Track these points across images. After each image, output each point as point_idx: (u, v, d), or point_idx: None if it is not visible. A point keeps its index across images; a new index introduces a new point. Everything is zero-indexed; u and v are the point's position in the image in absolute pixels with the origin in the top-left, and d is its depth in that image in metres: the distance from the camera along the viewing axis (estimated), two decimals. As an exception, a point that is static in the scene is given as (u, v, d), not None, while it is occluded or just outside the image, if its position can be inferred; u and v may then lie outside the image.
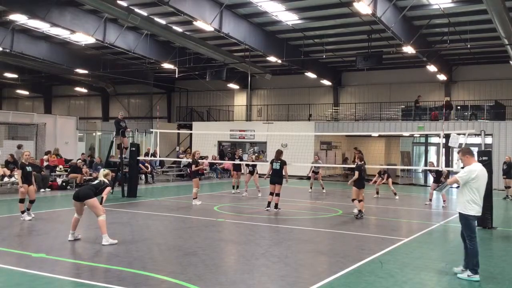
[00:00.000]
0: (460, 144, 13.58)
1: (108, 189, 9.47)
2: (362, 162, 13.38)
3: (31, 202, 11.85)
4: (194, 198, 15.23)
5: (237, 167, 19.09)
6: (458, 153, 7.65)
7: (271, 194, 13.96)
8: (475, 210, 7.11)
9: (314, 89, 34.09)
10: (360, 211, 13.07)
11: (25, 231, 10.50)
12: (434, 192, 16.65)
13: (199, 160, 15.98)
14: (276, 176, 13.95)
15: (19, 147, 21.73)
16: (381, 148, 31.46)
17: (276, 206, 13.85)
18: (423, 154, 32.69)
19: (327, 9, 21.04)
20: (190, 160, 17.61)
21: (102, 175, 9.58)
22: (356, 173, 13.23)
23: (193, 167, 15.62)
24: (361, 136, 30.22)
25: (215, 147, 31.06)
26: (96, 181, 9.50)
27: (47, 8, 20.46)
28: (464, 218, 7.19)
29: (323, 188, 20.10)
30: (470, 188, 7.12)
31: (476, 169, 7.18)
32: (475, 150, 25.44)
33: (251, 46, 24.12)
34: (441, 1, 19.29)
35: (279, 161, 13.95)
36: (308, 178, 22.46)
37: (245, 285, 6.64)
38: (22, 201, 11.73)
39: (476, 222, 7.28)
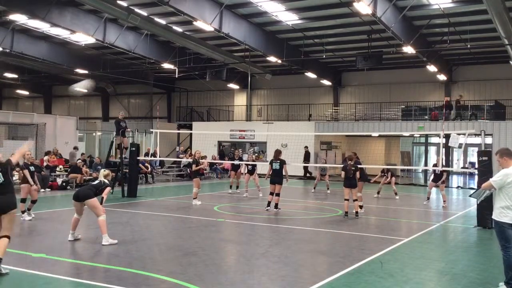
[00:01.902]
0: (460, 144, 13.60)
1: (108, 189, 9.48)
2: (349, 162, 13.38)
3: (33, 202, 11.88)
4: (194, 198, 15.23)
5: (236, 167, 19.05)
6: (496, 154, 6.97)
7: (271, 194, 13.97)
8: (509, 217, 6.48)
9: (314, 89, 34.08)
10: (346, 212, 13.09)
11: (25, 231, 10.49)
12: (433, 193, 16.58)
13: (200, 160, 15.99)
14: (276, 176, 13.95)
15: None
16: (381, 148, 31.46)
17: (276, 206, 13.85)
18: (423, 154, 32.71)
19: (327, 9, 21.04)
20: (190, 160, 17.61)
21: (102, 175, 9.59)
22: (342, 173, 13.34)
23: (193, 167, 15.63)
24: (361, 136, 30.22)
25: (215, 147, 31.06)
26: (96, 181, 9.51)
27: (47, 8, 20.45)
28: (497, 225, 6.66)
29: (328, 188, 19.99)
30: (505, 194, 6.54)
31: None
32: (475, 150, 25.50)
33: (251, 46, 24.11)
34: (441, 1, 19.28)
35: (279, 161, 13.96)
36: (311, 177, 22.38)
37: (245, 285, 6.64)
38: (23, 200, 11.76)
39: (511, 230, 6.53)
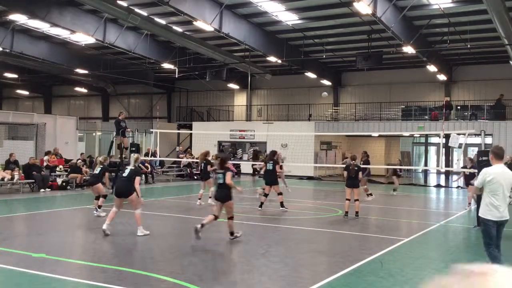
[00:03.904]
0: (460, 144, 13.60)
1: (138, 179, 9.85)
2: (352, 162, 13.37)
3: (104, 197, 12.20)
4: (210, 197, 15.05)
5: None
6: None
7: (266, 195, 14.18)
8: (492, 214, 6.66)
9: (314, 89, 34.07)
10: (346, 212, 13.08)
11: (25, 231, 10.50)
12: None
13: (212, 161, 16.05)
14: (270, 177, 14.18)
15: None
16: (381, 148, 31.46)
17: (282, 205, 13.86)
18: (423, 154, 32.72)
19: (327, 9, 21.03)
20: (190, 160, 17.58)
21: (133, 160, 9.99)
22: (344, 172, 13.39)
23: (209, 168, 15.53)
24: (361, 136, 30.22)
25: (215, 147, 31.04)
26: (127, 172, 9.63)
27: (47, 8, 20.45)
28: (482, 223, 6.87)
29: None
30: (487, 192, 6.75)
31: (492, 171, 6.74)
32: (475, 150, 25.59)
33: (251, 46, 24.10)
34: (441, 1, 19.28)
35: (272, 162, 14.19)
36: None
37: (245, 285, 6.64)
38: (97, 198, 12.16)
39: (495, 228, 6.69)
